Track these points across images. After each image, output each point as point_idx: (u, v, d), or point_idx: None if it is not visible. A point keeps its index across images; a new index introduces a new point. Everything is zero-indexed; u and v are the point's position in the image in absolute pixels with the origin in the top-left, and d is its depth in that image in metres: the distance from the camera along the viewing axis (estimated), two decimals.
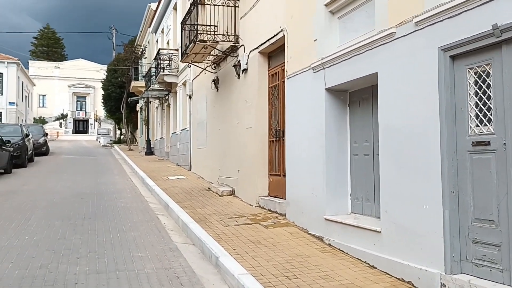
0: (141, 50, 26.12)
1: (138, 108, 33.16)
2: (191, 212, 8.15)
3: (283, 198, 7.80)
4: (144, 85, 23.37)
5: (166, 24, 20.37)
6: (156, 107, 23.73)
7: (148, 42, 27.06)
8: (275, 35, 7.75)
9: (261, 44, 8.39)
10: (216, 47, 9.96)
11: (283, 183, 7.80)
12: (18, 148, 16.90)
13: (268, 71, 8.64)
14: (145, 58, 25.97)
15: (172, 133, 18.49)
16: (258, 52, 8.60)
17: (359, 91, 5.90)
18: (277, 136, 8.11)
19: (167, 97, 20.08)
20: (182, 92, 16.69)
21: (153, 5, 23.54)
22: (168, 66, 17.51)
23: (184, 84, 16.34)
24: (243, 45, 9.44)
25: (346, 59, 5.60)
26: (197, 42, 9.51)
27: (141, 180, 13.60)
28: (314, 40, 6.35)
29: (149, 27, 25.28)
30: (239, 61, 9.59)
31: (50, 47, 77.57)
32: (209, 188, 10.94)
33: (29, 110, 50.26)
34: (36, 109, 62.74)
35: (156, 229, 7.38)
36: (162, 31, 21.85)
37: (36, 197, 10.24)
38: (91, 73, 67.65)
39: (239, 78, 9.66)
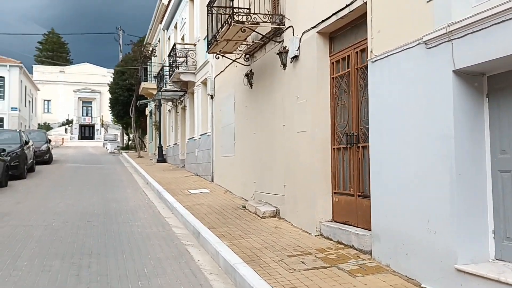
0: (151, 49, 24.16)
1: (147, 112, 31.24)
2: (233, 245, 6.11)
3: (359, 226, 5.76)
4: (155, 87, 21.43)
5: (181, 18, 18.40)
6: (169, 110, 21.74)
7: (159, 41, 25.11)
8: (347, 5, 5.71)
9: (322, 21, 6.35)
10: (256, 30, 7.92)
11: (359, 205, 5.75)
12: (16, 157, 14.94)
13: (330, 57, 6.60)
14: (155, 56, 24.00)
15: (189, 139, 16.48)
16: (317, 32, 6.56)
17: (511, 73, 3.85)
18: (349, 142, 6.05)
19: (182, 99, 18.08)
20: (201, 92, 14.68)
21: (165, 0, 21.60)
22: (184, 63, 15.51)
23: (203, 82, 14.34)
24: (291, 26, 7.42)
25: (500, 22, 3.55)
26: (233, 24, 7.49)
27: (158, 195, 11.59)
28: (428, 1, 4.30)
29: (160, 23, 23.32)
30: (285, 47, 7.56)
31: (55, 52, 75.80)
32: (245, 207, 8.89)
33: (33, 115, 48.53)
34: (41, 115, 61.12)
35: (190, 272, 5.36)
36: (176, 27, 19.89)
37: (31, 221, 8.24)
38: (97, 77, 65.99)
39: (285, 68, 7.63)
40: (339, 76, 6.37)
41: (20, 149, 15.50)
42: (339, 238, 5.94)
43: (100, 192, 12.16)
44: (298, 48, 7.10)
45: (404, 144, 4.64)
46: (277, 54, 7.70)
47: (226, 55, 9.43)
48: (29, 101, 45.47)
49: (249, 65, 9.55)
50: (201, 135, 14.57)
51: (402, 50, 4.65)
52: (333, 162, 6.50)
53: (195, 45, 15.44)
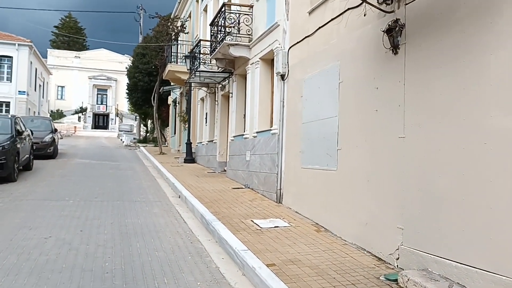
0: (181, 24, 19.97)
1: (170, 101, 27.17)
2: None
3: None
4: (185, 70, 17.31)
5: None
6: (201, 99, 17.54)
7: (190, 16, 20.93)
8: None
9: None
10: None
11: None
12: (2, 153, 10.92)
13: None
14: (186, 33, 19.82)
15: (235, 136, 12.27)
16: None
17: None
18: None
19: (225, 83, 13.85)
20: (259, 72, 10.43)
21: None
22: (234, 34, 11.29)
23: (264, 58, 10.12)
24: None
25: None
26: None
27: (202, 223, 7.42)
28: None
29: None
30: None
31: (71, 37, 72.44)
32: (395, 281, 4.61)
33: (43, 101, 44.76)
34: (54, 101, 57.74)
35: None
36: None
37: None
38: (113, 64, 62.55)
39: None
40: None
41: (9, 142, 11.47)
42: None
43: (115, 213, 8.04)
44: None
45: None
46: None
47: None
48: (40, 85, 41.67)
49: (392, 11, 5.29)
50: (258, 132, 10.35)
51: None
52: None
53: (251, 7, 11.20)
